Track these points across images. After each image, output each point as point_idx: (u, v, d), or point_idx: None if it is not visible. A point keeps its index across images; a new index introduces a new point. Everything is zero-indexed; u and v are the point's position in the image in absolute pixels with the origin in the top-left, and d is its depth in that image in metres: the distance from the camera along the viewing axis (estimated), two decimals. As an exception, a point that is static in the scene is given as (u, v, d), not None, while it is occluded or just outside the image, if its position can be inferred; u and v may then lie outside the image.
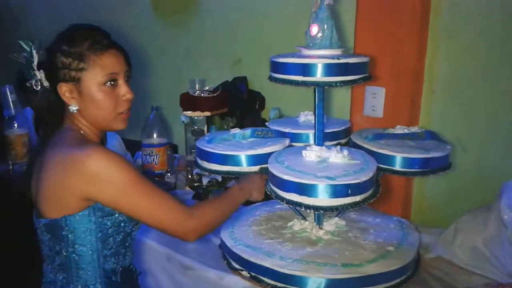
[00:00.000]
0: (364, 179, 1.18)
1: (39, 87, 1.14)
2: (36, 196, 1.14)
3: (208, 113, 2.13)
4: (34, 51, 1.13)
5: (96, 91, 1.12)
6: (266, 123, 1.68)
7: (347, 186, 1.15)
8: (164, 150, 2.19)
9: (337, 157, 1.27)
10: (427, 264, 1.47)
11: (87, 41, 1.11)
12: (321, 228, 1.40)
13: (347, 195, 1.16)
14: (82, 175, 1.03)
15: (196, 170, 2.03)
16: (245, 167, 1.38)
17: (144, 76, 2.88)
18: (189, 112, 2.16)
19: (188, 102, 2.16)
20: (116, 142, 2.14)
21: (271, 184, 1.28)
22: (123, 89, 1.16)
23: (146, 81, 2.87)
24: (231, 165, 1.39)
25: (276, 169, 1.24)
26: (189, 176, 2.11)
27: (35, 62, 1.13)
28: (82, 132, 1.16)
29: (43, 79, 1.14)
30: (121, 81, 1.15)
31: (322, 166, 1.25)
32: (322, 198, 1.16)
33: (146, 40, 2.81)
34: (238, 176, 1.40)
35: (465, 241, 1.47)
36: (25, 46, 1.14)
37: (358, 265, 1.22)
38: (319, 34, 1.26)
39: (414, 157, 1.33)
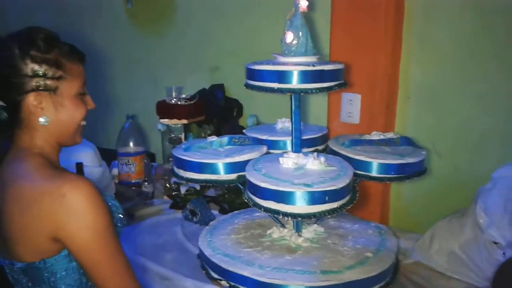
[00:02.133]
0: (341, 185, 1.18)
1: None
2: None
3: (185, 121, 2.12)
4: None
5: (71, 102, 1.04)
6: (243, 131, 1.67)
7: (324, 193, 1.15)
8: (141, 159, 2.16)
9: (314, 163, 1.27)
10: (406, 270, 1.48)
11: (60, 47, 1.02)
12: (300, 236, 1.39)
13: (324, 202, 1.16)
14: (56, 211, 0.92)
15: (173, 179, 2.01)
16: (222, 175, 1.37)
17: (119, 85, 2.85)
18: (166, 120, 2.14)
19: (165, 110, 2.14)
20: (91, 151, 2.09)
21: (248, 192, 1.27)
22: (89, 100, 1.10)
23: (122, 89, 2.84)
24: (208, 173, 1.37)
25: (253, 177, 1.23)
26: (167, 185, 2.08)
27: None
28: (45, 155, 1.02)
29: None
30: (86, 92, 1.09)
31: (299, 173, 1.24)
32: (300, 206, 1.15)
33: (121, 48, 2.78)
34: (216, 184, 1.39)
35: (441, 246, 1.48)
36: None
37: (337, 272, 1.22)
38: (294, 41, 1.26)
39: (390, 162, 1.34)
